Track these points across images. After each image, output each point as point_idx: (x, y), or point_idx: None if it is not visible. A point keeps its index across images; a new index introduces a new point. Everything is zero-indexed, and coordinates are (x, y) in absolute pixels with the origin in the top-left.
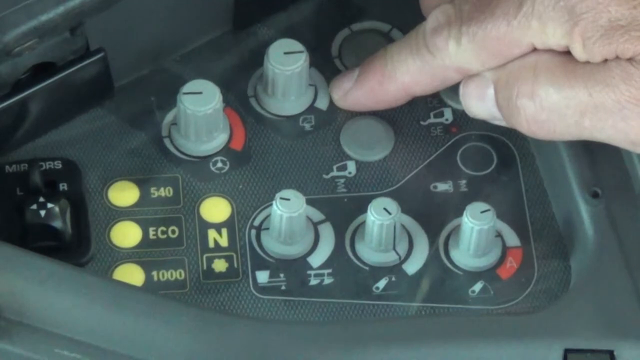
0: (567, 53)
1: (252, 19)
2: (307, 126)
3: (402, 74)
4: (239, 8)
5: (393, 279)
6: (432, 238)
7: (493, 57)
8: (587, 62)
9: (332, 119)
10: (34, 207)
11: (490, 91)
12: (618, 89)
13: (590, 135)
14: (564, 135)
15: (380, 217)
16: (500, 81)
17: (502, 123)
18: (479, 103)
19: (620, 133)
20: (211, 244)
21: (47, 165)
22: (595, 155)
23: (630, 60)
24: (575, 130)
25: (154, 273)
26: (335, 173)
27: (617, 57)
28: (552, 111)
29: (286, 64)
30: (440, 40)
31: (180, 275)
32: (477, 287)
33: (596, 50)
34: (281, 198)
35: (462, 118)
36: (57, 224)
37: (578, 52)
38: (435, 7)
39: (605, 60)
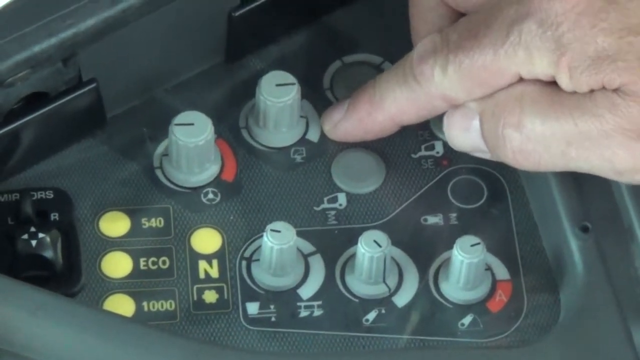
0: (554, 83)
1: (244, 51)
2: (298, 158)
3: (390, 104)
4: (231, 40)
5: (383, 311)
6: (422, 271)
7: (479, 86)
8: (574, 92)
9: (323, 151)
10: (25, 237)
11: (476, 122)
12: (604, 118)
13: (576, 166)
14: (549, 166)
15: (370, 249)
16: (485, 112)
17: (486, 155)
18: (464, 134)
19: (607, 162)
20: (202, 275)
21: (38, 195)
22: (585, 189)
23: (616, 90)
24: (561, 161)
25: (145, 303)
26: (325, 205)
27: (604, 88)
28: (538, 142)
29: (278, 96)
30: (427, 69)
31: (171, 306)
32: (467, 320)
33: (583, 80)
34: (272, 230)
35: (453, 151)
36: (48, 253)
37: (564, 82)
38: (424, 37)
39: (592, 91)
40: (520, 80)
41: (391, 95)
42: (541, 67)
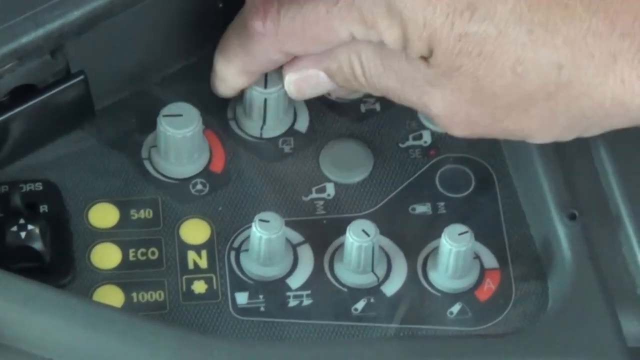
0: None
1: None
2: (287, 148)
3: (235, 59)
4: (219, 31)
5: (372, 300)
6: (411, 260)
7: (313, 42)
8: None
9: (311, 141)
10: (15, 228)
11: (323, 75)
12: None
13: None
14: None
15: (359, 239)
16: (330, 68)
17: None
18: (315, 89)
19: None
20: (191, 266)
21: (27, 187)
22: (572, 177)
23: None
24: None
25: (134, 294)
26: (314, 195)
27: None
28: (382, 91)
29: (265, 87)
30: (258, 24)
31: (160, 296)
32: (455, 308)
33: (415, 49)
34: (260, 220)
35: (440, 140)
36: (38, 245)
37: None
38: None
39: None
40: (354, 39)
41: (233, 50)
42: (374, 32)
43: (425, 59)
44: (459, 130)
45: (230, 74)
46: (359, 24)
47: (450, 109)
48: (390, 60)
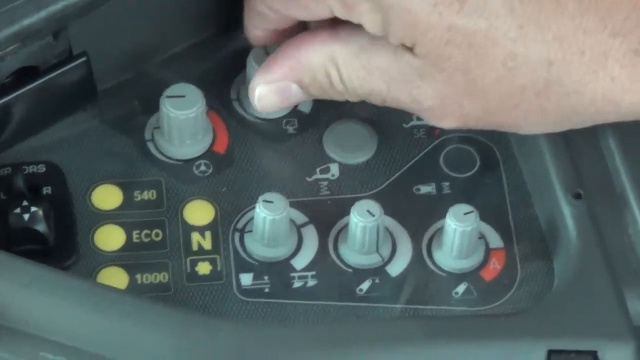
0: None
1: (236, 23)
2: (290, 129)
3: (245, 15)
4: (222, 11)
5: (376, 280)
6: (416, 240)
7: (293, 1)
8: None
9: (315, 122)
10: (18, 210)
11: (295, 87)
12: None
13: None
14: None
15: (363, 219)
16: (302, 81)
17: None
18: (284, 102)
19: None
20: (195, 247)
21: (30, 169)
22: (577, 157)
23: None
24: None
25: (138, 276)
26: (318, 176)
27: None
28: (364, 95)
29: None
30: None
31: (164, 278)
32: (461, 288)
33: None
34: (264, 201)
35: None
36: (41, 227)
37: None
38: None
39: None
40: (331, 23)
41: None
42: (354, 14)
43: (409, 49)
44: (450, 122)
45: (245, 23)
46: (338, 2)
47: (442, 101)
48: (374, 60)
